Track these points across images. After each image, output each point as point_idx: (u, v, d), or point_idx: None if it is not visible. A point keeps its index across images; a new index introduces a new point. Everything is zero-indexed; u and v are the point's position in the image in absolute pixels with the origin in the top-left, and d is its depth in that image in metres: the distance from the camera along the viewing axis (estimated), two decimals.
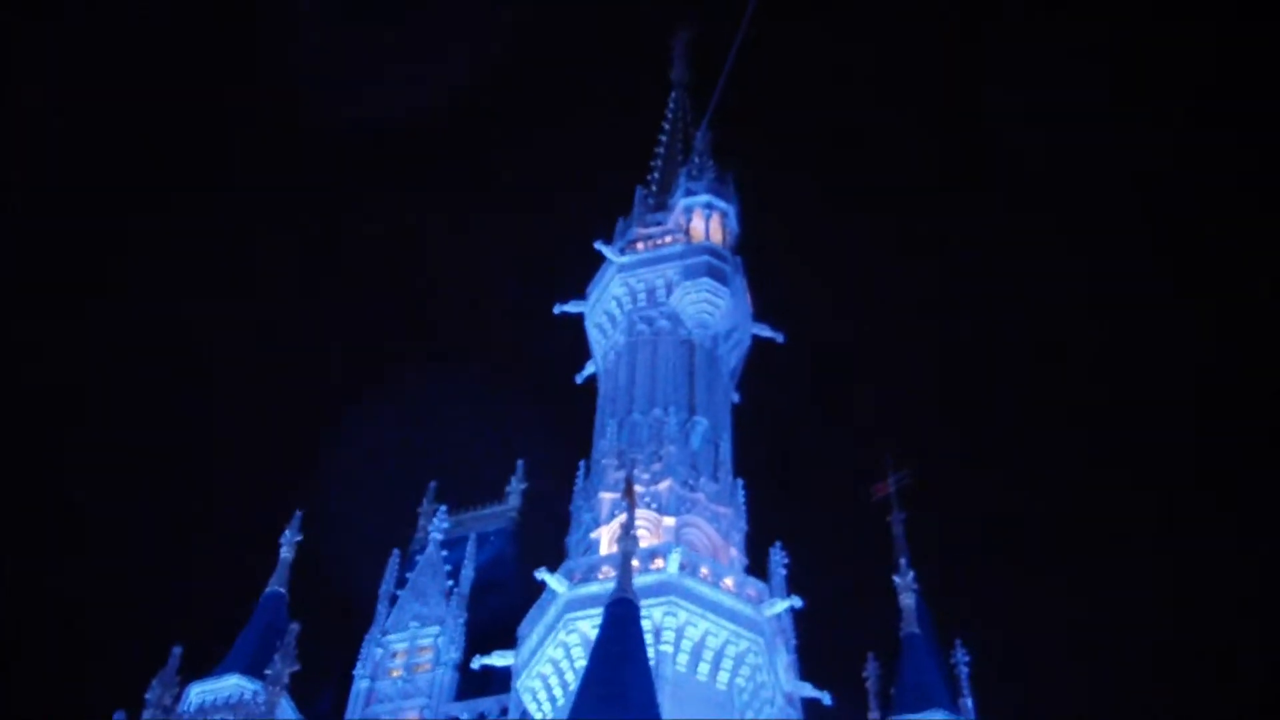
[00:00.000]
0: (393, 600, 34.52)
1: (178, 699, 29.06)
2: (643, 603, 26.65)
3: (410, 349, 75.57)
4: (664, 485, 32.19)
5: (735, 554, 31.72)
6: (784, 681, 30.08)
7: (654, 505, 31.74)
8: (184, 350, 68.11)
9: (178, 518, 72.73)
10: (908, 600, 31.43)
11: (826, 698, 30.87)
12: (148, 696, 28.44)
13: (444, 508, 37.74)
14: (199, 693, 29.65)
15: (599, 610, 26.44)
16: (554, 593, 29.73)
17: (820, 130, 74.03)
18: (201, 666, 30.85)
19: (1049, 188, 72.29)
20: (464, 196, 78.46)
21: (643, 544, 29.62)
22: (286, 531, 34.46)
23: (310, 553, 35.23)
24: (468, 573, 34.88)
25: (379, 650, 33.25)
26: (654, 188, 44.09)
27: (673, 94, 49.75)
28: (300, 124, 68.09)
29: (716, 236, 40.14)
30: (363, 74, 67.59)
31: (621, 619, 25.27)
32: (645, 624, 26.77)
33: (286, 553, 34.12)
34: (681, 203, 40.82)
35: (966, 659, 30.87)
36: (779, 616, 30.49)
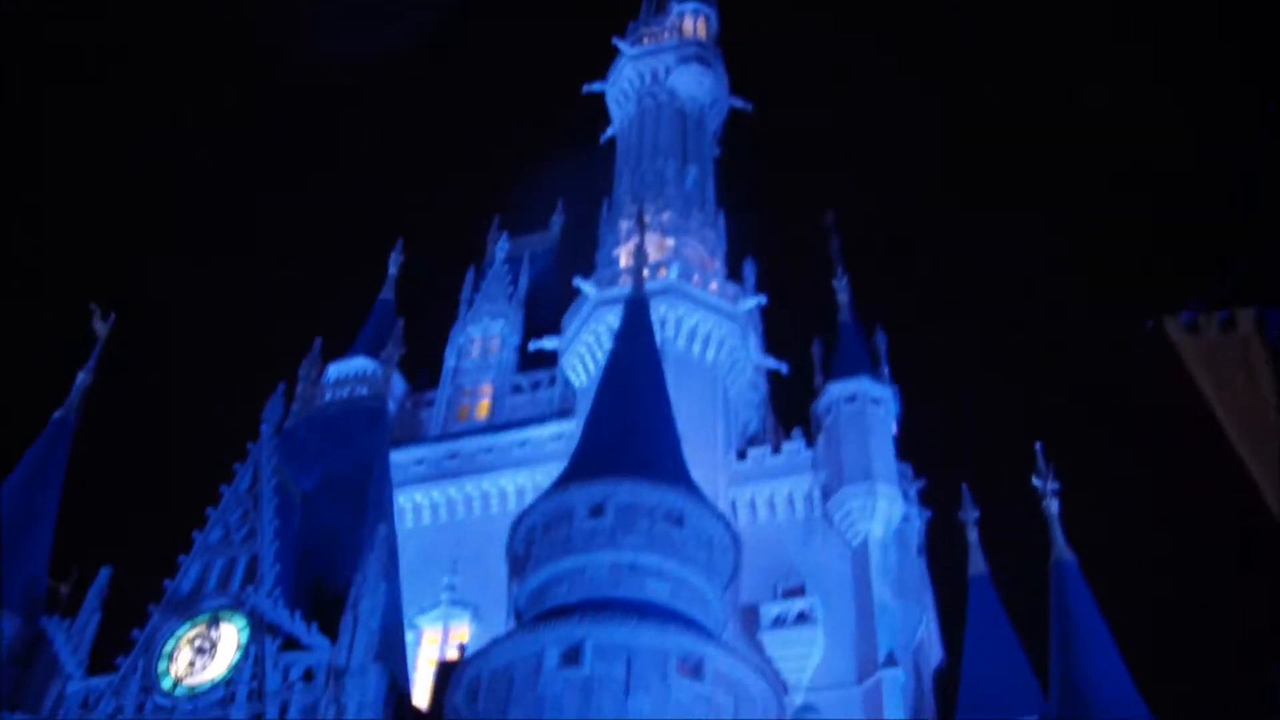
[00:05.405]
0: (470, 303, 41.34)
1: (321, 373, 35.16)
2: (652, 301, 30.68)
3: (486, 121, 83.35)
4: (666, 215, 38.06)
5: (718, 265, 37.68)
6: (753, 356, 36.24)
7: (659, 230, 37.33)
8: None
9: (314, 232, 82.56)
10: (843, 297, 37.22)
11: (784, 368, 37.13)
12: (300, 371, 34.08)
13: (506, 234, 44.55)
14: (335, 369, 36.49)
15: (620, 307, 30.67)
16: (587, 295, 35.93)
17: None
18: (336, 352, 37.53)
19: None
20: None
21: (651, 259, 34.54)
22: (393, 254, 42.04)
23: (410, 268, 42.75)
24: (524, 281, 41.56)
25: (462, 338, 40.06)
26: None
27: None
28: None
29: (702, 33, 47.06)
30: None
31: (636, 313, 28.70)
32: (653, 316, 30.60)
33: (393, 269, 41.87)
34: (675, 8, 47.79)
35: (884, 340, 36.34)
36: (750, 311, 36.76)
